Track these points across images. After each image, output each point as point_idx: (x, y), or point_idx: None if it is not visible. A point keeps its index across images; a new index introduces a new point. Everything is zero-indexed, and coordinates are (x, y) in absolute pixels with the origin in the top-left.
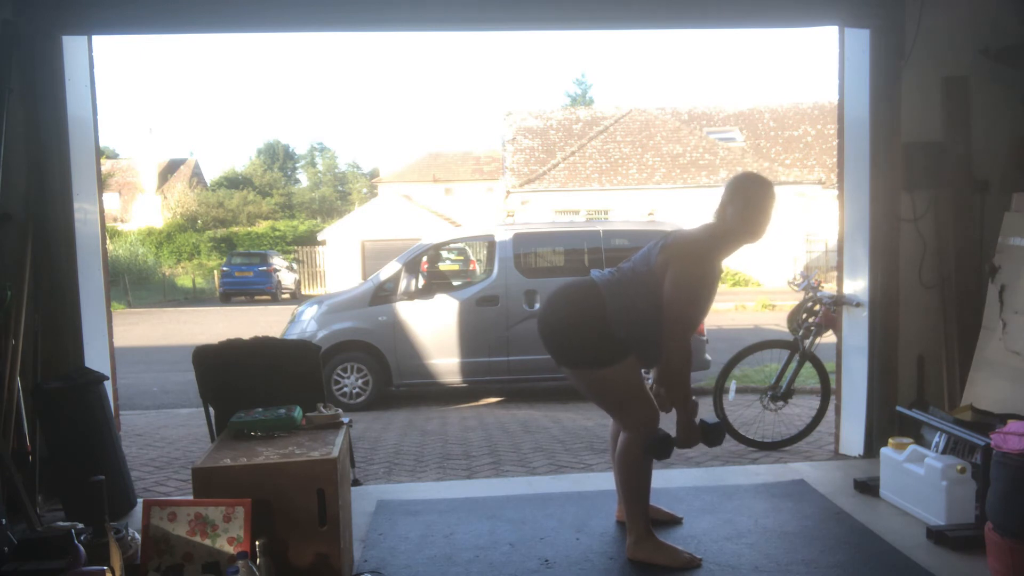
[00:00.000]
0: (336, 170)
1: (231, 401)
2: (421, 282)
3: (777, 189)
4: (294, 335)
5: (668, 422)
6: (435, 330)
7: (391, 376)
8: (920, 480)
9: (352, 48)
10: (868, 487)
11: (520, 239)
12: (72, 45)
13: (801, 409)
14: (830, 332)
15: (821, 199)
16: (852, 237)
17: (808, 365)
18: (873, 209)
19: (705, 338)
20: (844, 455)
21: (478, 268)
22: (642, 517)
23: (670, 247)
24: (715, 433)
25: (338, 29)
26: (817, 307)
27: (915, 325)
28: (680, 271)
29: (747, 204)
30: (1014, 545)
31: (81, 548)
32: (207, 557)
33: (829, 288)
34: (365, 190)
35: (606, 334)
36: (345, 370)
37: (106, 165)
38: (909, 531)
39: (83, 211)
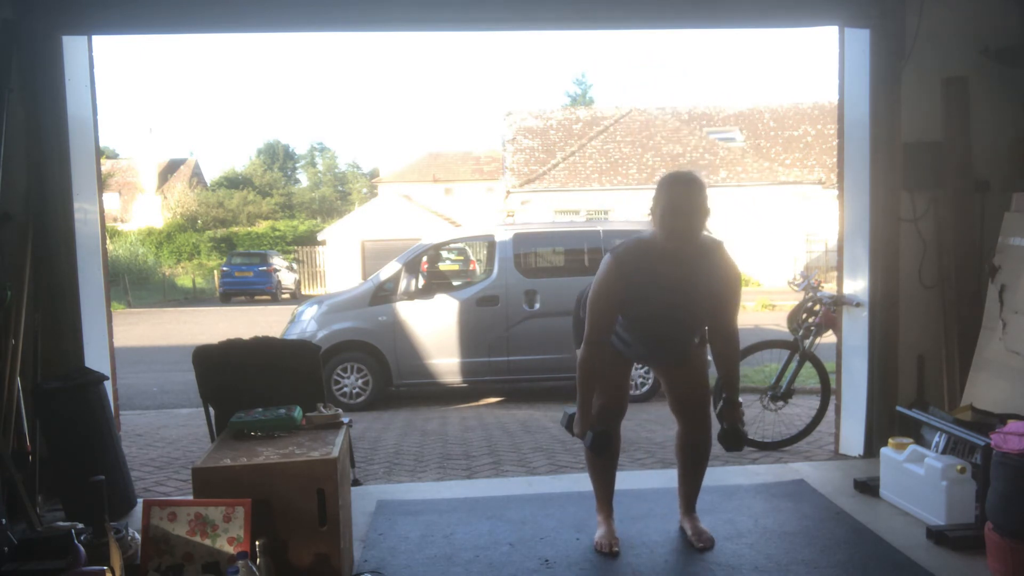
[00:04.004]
0: (336, 170)
1: (231, 401)
2: (421, 282)
3: (777, 189)
4: (294, 335)
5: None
6: (435, 330)
7: (391, 376)
8: (920, 480)
9: (352, 48)
10: (868, 487)
11: (520, 239)
12: (72, 45)
13: (801, 409)
14: (830, 332)
15: (821, 199)
16: (852, 237)
17: (808, 365)
18: (873, 209)
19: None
20: (844, 455)
21: (478, 268)
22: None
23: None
24: (733, 438)
25: (338, 29)
26: (817, 307)
27: (915, 325)
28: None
29: (656, 203)
30: (1014, 545)
31: (81, 548)
32: (207, 557)
33: (829, 288)
34: (365, 190)
35: None
36: (345, 370)
37: (106, 165)
38: (909, 531)
39: (83, 211)
